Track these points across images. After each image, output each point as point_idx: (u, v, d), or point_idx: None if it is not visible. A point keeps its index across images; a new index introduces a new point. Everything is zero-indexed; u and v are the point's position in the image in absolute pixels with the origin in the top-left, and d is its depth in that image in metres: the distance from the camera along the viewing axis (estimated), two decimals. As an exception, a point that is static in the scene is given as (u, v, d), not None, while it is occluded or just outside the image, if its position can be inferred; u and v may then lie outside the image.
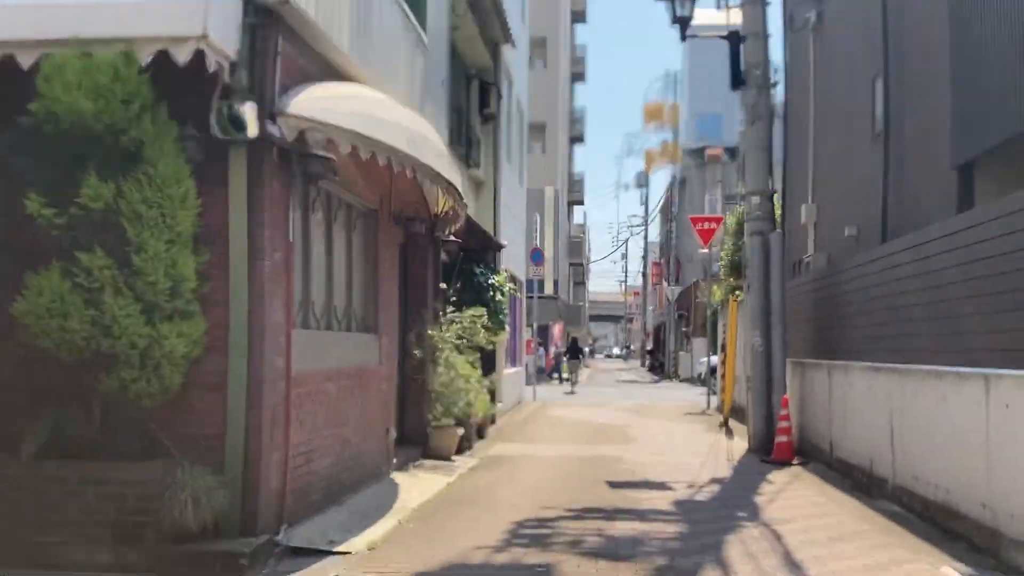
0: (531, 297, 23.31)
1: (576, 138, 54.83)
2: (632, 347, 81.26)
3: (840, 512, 8.29)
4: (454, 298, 12.03)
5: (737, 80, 13.40)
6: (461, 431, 11.54)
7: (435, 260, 11.93)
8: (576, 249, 52.85)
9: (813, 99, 16.59)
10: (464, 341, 11.38)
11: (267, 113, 6.59)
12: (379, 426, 9.39)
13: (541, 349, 25.57)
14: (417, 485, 9.39)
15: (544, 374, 25.10)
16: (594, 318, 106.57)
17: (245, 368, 6.25)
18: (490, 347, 11.74)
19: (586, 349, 62.94)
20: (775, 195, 13.59)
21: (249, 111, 6.41)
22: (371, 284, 9.31)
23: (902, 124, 12.61)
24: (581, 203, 56.45)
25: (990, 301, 6.84)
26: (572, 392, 30.20)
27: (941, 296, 7.84)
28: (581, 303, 57.36)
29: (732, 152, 42.82)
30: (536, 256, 23.35)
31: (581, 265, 57.49)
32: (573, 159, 56.64)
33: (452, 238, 11.93)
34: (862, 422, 9.87)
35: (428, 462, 10.86)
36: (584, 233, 60.61)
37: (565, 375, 36.33)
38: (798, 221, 17.13)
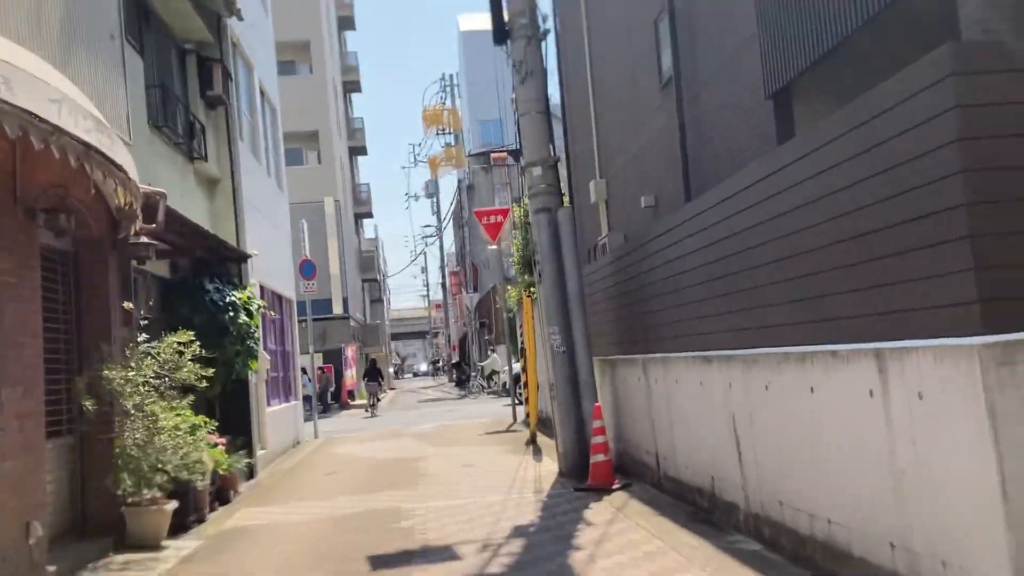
0: (304, 319, 20.13)
1: (358, 149, 51.89)
2: (440, 362, 78.91)
3: (686, 565, 5.93)
4: (144, 320, 8.88)
5: (501, 33, 11.14)
6: (174, 504, 8.41)
7: (121, 273, 8.73)
8: (368, 264, 49.72)
9: (589, 56, 14.51)
10: (166, 380, 8.25)
11: None
12: (8, 523, 6.17)
13: (306, 378, 22.37)
14: (81, 605, 6.26)
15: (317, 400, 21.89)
16: (399, 336, 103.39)
17: None
18: (202, 384, 8.65)
19: (390, 370, 59.91)
20: (559, 163, 11.33)
21: None
22: (-27, 310, 6.09)
23: (695, 65, 10.70)
24: (370, 216, 53.39)
25: (856, 248, 4.69)
26: (372, 416, 27.56)
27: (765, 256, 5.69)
28: (379, 321, 54.12)
29: (516, 155, 41.45)
30: (306, 269, 20.21)
31: (376, 281, 54.35)
32: (357, 171, 53.62)
33: (145, 240, 8.79)
34: (695, 429, 7.67)
35: (121, 557, 7.66)
36: (377, 247, 57.53)
37: (362, 400, 33.51)
38: (588, 201, 15.08)
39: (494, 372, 36.35)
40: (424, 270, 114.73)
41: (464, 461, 12.95)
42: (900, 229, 4.33)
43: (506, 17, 11.10)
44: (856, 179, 4.72)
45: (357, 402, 35.91)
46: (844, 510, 5.06)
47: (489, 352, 43.04)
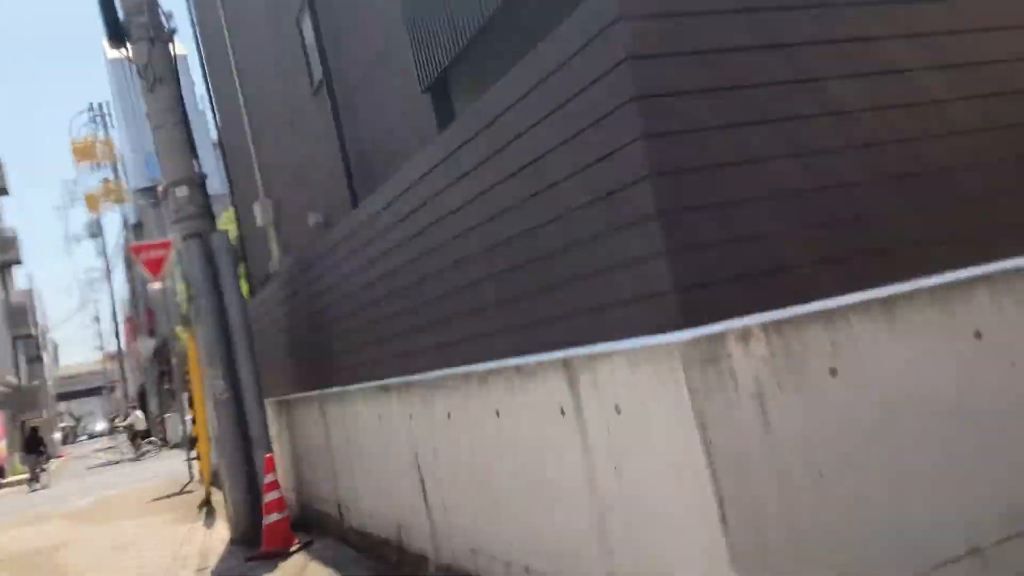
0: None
1: (-4, 189, 45.59)
2: (117, 419, 71.71)
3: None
4: None
5: (117, 34, 9.53)
6: None
7: None
8: (21, 318, 43.80)
9: (235, 61, 13.10)
10: None
11: None
12: None
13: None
14: None
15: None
16: (71, 395, 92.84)
17: None
18: None
19: (57, 435, 53.19)
20: (206, 182, 9.86)
21: None
22: None
23: (347, 64, 9.80)
24: (19, 263, 47.13)
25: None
26: (33, 492, 24.12)
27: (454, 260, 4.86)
28: (38, 382, 47.84)
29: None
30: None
31: (32, 337, 48.04)
32: (-2, 214, 47.21)
33: None
34: (378, 472, 6.65)
35: None
36: (31, 298, 50.95)
37: (18, 476, 29.10)
38: (255, 225, 13.66)
39: (137, 433, 33.42)
40: (97, 319, 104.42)
41: (120, 541, 10.93)
42: (583, 213, 3.59)
43: (121, 15, 9.51)
44: (527, 160, 3.95)
45: (10, 479, 31.10)
46: (544, 555, 4.26)
47: (130, 411, 39.77)
